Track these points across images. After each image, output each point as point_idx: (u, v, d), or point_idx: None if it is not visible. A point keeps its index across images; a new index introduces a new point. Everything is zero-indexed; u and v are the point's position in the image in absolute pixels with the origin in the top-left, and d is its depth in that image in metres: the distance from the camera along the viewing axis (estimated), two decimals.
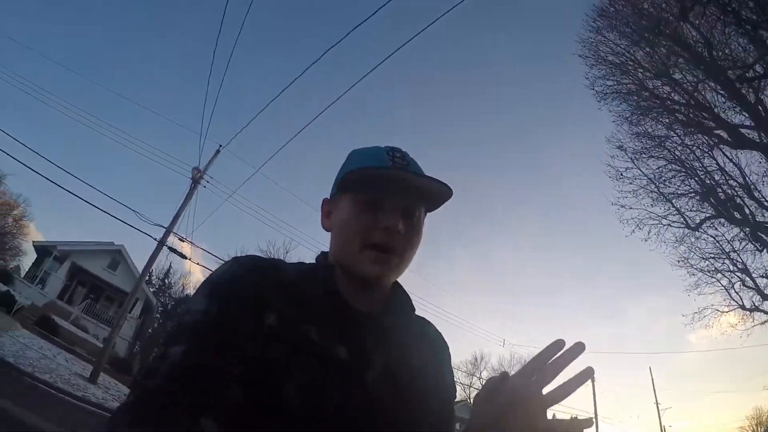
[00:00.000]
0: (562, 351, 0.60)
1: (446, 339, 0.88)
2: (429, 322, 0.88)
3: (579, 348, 0.60)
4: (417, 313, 0.84)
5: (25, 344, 12.29)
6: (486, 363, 44.94)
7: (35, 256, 25.94)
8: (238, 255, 0.75)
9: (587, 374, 0.56)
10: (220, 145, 14.99)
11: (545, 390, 0.59)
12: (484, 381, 0.66)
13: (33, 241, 26.88)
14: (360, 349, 0.68)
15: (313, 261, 0.82)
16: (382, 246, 0.72)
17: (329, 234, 0.80)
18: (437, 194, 0.76)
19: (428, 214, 0.81)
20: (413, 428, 0.67)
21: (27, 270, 26.03)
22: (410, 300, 0.83)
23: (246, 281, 0.67)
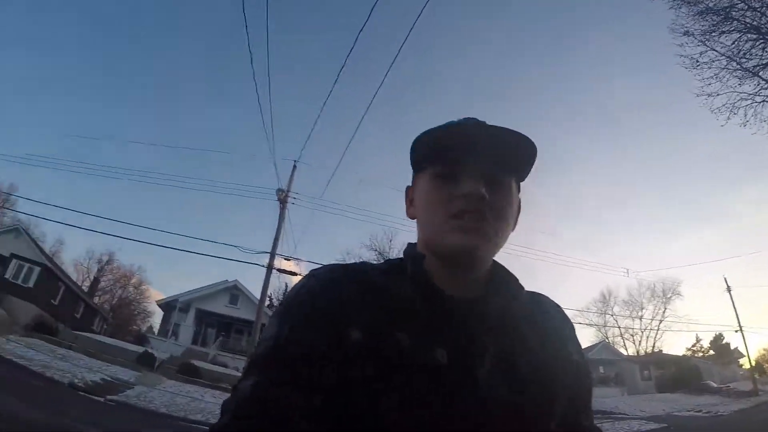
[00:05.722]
0: None
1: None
2: (541, 294, 0.80)
3: None
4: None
5: (173, 393, 13.31)
6: (615, 297, 42.35)
7: (162, 313, 28.84)
8: (316, 267, 0.70)
9: None
10: (295, 161, 15.68)
11: None
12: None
13: (156, 301, 29.97)
14: (464, 345, 0.61)
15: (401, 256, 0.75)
16: (467, 212, 0.64)
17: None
18: (521, 153, 0.68)
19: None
20: (540, 420, 0.62)
21: (159, 327, 29.03)
22: (516, 278, 0.72)
23: (322, 296, 0.62)
